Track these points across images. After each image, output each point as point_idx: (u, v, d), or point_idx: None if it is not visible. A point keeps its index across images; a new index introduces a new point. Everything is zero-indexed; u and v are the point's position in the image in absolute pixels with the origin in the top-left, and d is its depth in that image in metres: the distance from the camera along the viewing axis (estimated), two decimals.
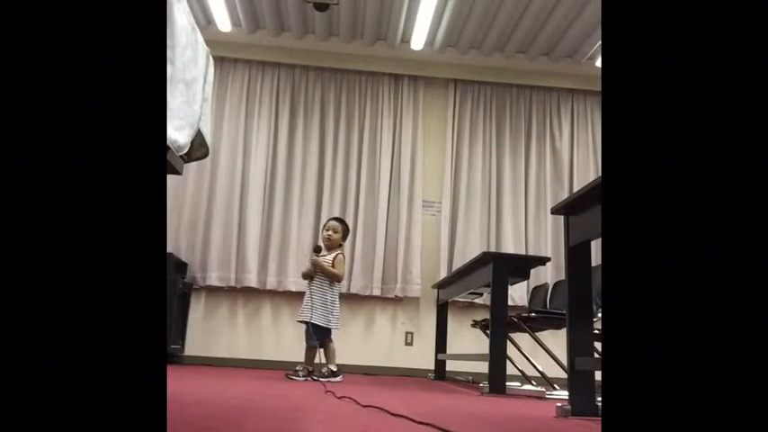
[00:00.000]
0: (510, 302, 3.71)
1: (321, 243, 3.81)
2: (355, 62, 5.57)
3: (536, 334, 3.54)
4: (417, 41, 5.36)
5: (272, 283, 5.15)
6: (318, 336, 3.56)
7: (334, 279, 3.65)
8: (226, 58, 5.49)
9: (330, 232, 3.75)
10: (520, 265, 3.46)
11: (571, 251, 2.22)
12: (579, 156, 5.66)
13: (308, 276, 3.67)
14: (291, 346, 4.91)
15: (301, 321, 3.63)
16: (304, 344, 3.65)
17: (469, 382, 4.39)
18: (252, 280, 5.13)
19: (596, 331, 2.68)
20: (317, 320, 3.55)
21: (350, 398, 2.16)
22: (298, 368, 3.53)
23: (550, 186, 5.57)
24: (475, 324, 4.55)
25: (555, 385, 3.40)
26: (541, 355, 3.55)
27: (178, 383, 2.53)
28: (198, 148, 1.76)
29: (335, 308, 3.65)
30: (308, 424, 1.39)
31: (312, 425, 1.38)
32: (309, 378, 3.47)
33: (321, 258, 3.67)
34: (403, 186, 5.43)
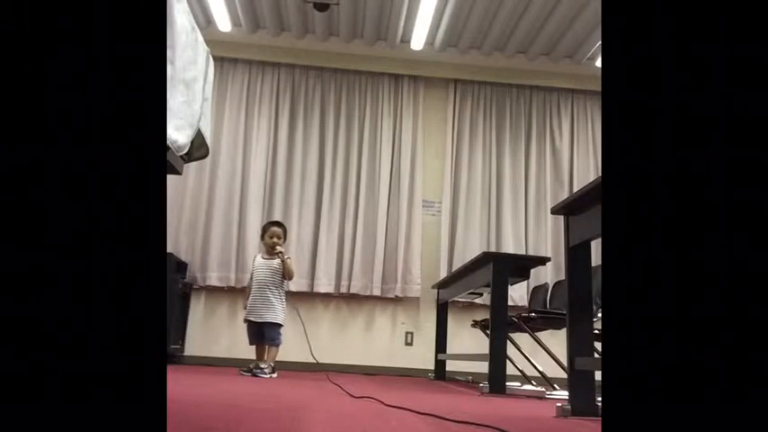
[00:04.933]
0: (510, 302, 3.71)
1: (265, 251, 3.96)
2: (355, 62, 5.57)
3: (536, 334, 3.53)
4: (417, 41, 5.36)
5: None
6: (279, 333, 3.78)
7: (289, 278, 3.89)
8: (226, 58, 5.48)
9: (275, 239, 3.88)
10: (520, 265, 3.46)
11: (571, 251, 2.22)
12: (579, 156, 5.66)
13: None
14: (292, 346, 4.91)
15: (262, 322, 3.75)
16: (252, 343, 3.82)
17: (469, 382, 4.39)
18: None
19: (596, 331, 2.68)
20: (279, 319, 3.77)
21: (373, 397, 2.16)
22: (262, 366, 3.65)
23: (550, 186, 5.57)
24: (475, 324, 4.55)
25: (555, 385, 3.40)
26: (541, 355, 3.54)
27: (178, 383, 2.53)
28: (198, 148, 1.76)
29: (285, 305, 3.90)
30: (309, 424, 1.39)
31: (313, 424, 1.38)
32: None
33: (272, 261, 3.85)
34: (403, 186, 5.43)
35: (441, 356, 4.64)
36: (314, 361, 4.48)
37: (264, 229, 3.99)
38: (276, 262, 3.83)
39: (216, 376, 3.35)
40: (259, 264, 3.88)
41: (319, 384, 3.06)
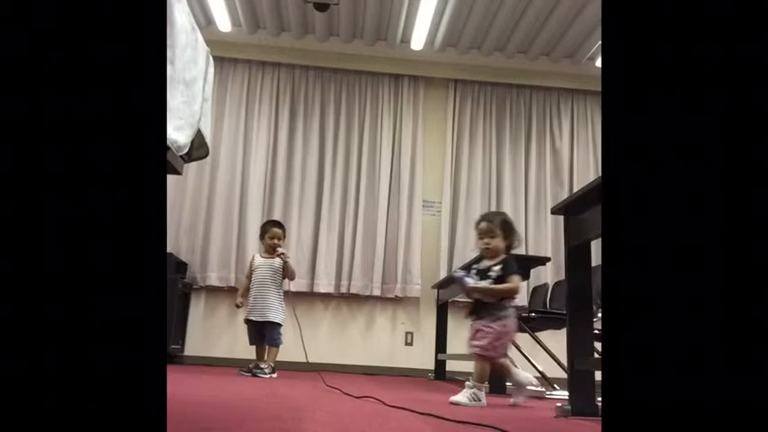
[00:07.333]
0: None
1: (264, 251, 3.97)
2: (355, 62, 5.57)
3: (536, 334, 3.53)
4: (417, 41, 5.36)
5: None
6: (280, 333, 3.80)
7: (291, 278, 3.91)
8: (226, 58, 5.48)
9: (276, 240, 3.87)
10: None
11: (571, 251, 2.22)
12: (579, 156, 5.66)
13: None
14: (291, 346, 4.91)
15: (263, 321, 3.76)
16: (252, 344, 3.82)
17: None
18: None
19: (596, 331, 2.68)
20: (280, 319, 3.79)
21: (373, 397, 2.16)
22: (262, 366, 3.67)
23: (550, 186, 5.57)
24: None
25: (555, 385, 3.40)
26: (541, 355, 3.54)
27: (178, 383, 2.53)
28: (198, 148, 1.76)
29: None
30: (309, 424, 1.39)
31: (313, 424, 1.38)
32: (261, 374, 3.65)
33: (273, 261, 3.84)
34: (403, 186, 5.43)
35: (441, 356, 4.64)
36: (312, 361, 4.47)
37: (264, 230, 3.97)
38: (277, 261, 3.82)
39: (216, 376, 3.35)
40: (260, 263, 3.86)
41: (319, 384, 3.06)
